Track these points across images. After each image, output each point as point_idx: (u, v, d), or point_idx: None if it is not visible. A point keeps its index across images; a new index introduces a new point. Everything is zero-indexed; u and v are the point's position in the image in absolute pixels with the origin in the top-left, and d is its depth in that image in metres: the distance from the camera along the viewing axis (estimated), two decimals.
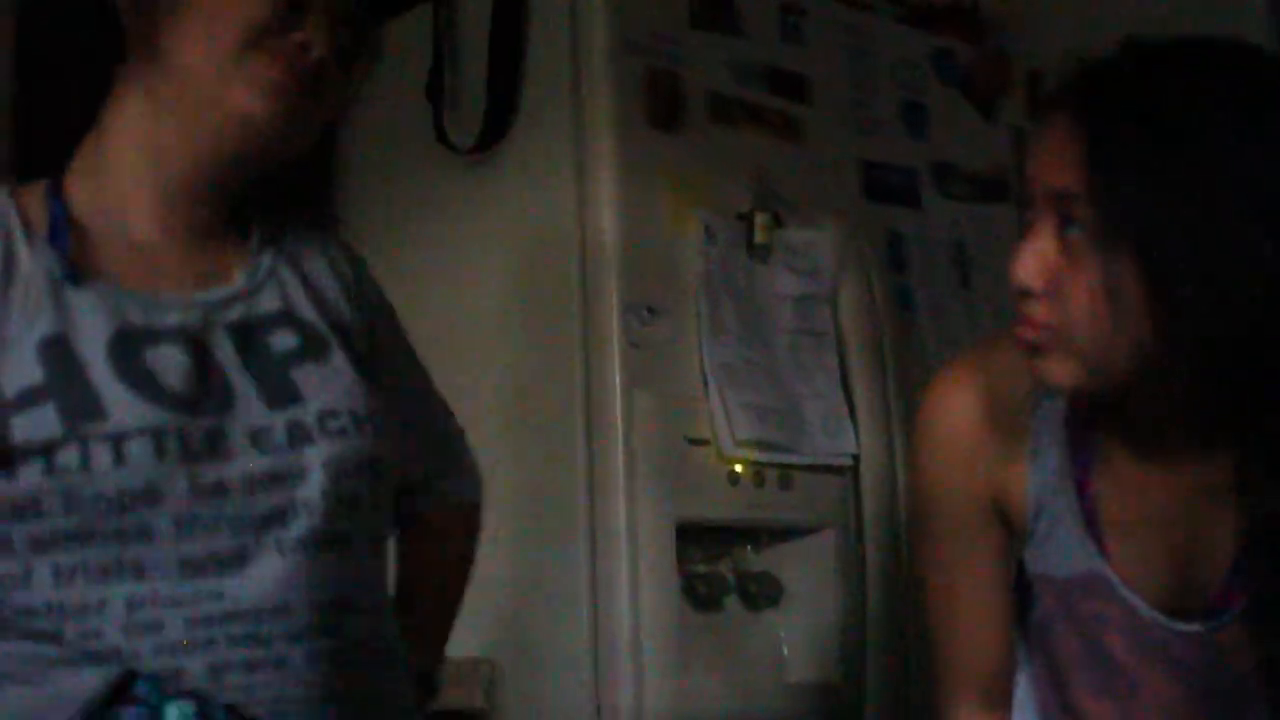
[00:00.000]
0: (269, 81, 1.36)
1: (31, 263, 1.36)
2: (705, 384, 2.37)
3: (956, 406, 1.54)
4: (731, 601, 2.42)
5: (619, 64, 2.40)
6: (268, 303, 1.44)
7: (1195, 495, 1.43)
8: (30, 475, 1.27)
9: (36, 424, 1.28)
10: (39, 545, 1.27)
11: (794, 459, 2.43)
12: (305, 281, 1.48)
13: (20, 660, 1.28)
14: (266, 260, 1.47)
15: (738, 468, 2.38)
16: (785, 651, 2.46)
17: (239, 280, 1.44)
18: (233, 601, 1.29)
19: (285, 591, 1.31)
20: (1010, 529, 1.55)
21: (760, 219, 2.48)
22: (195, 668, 1.27)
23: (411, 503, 1.65)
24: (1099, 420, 1.47)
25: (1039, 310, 1.35)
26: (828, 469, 2.48)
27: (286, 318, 1.43)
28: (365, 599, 1.39)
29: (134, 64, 1.41)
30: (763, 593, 2.44)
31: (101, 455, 1.27)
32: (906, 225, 2.78)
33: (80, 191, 1.42)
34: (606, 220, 2.36)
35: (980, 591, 1.58)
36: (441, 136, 2.54)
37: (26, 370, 1.30)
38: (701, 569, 2.40)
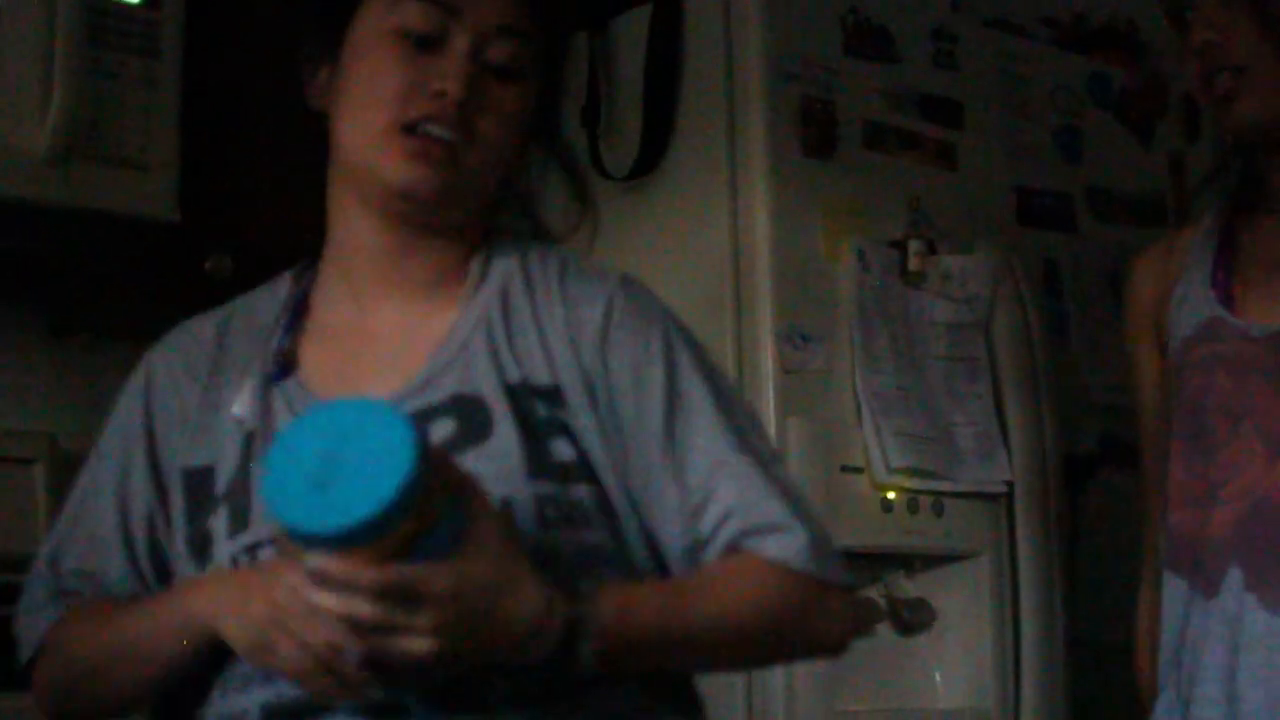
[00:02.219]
0: (414, 148, 1.35)
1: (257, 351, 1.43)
2: (859, 411, 2.38)
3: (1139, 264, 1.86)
4: (884, 628, 2.42)
5: (773, 92, 2.43)
6: (443, 390, 1.36)
7: None
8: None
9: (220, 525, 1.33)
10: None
11: (947, 486, 2.43)
12: (511, 339, 1.39)
13: None
14: (466, 326, 1.40)
15: (891, 495, 2.39)
16: (938, 678, 2.47)
17: (422, 370, 1.37)
18: None
19: None
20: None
21: (914, 246, 2.49)
22: None
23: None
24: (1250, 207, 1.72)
25: (1219, 56, 1.62)
26: (981, 496, 2.48)
27: (455, 402, 1.35)
28: None
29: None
30: (916, 619, 2.44)
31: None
32: (1061, 250, 2.77)
33: (323, 271, 1.47)
34: (760, 248, 2.39)
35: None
36: (597, 163, 2.58)
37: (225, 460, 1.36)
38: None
